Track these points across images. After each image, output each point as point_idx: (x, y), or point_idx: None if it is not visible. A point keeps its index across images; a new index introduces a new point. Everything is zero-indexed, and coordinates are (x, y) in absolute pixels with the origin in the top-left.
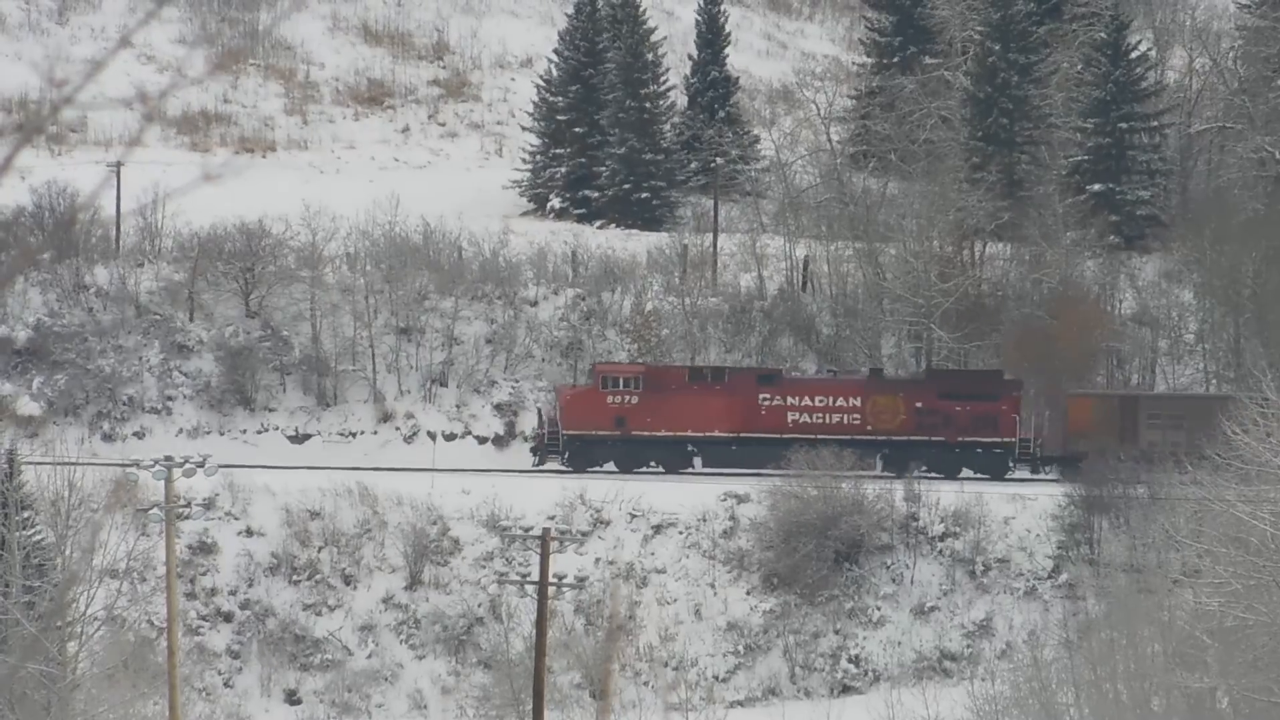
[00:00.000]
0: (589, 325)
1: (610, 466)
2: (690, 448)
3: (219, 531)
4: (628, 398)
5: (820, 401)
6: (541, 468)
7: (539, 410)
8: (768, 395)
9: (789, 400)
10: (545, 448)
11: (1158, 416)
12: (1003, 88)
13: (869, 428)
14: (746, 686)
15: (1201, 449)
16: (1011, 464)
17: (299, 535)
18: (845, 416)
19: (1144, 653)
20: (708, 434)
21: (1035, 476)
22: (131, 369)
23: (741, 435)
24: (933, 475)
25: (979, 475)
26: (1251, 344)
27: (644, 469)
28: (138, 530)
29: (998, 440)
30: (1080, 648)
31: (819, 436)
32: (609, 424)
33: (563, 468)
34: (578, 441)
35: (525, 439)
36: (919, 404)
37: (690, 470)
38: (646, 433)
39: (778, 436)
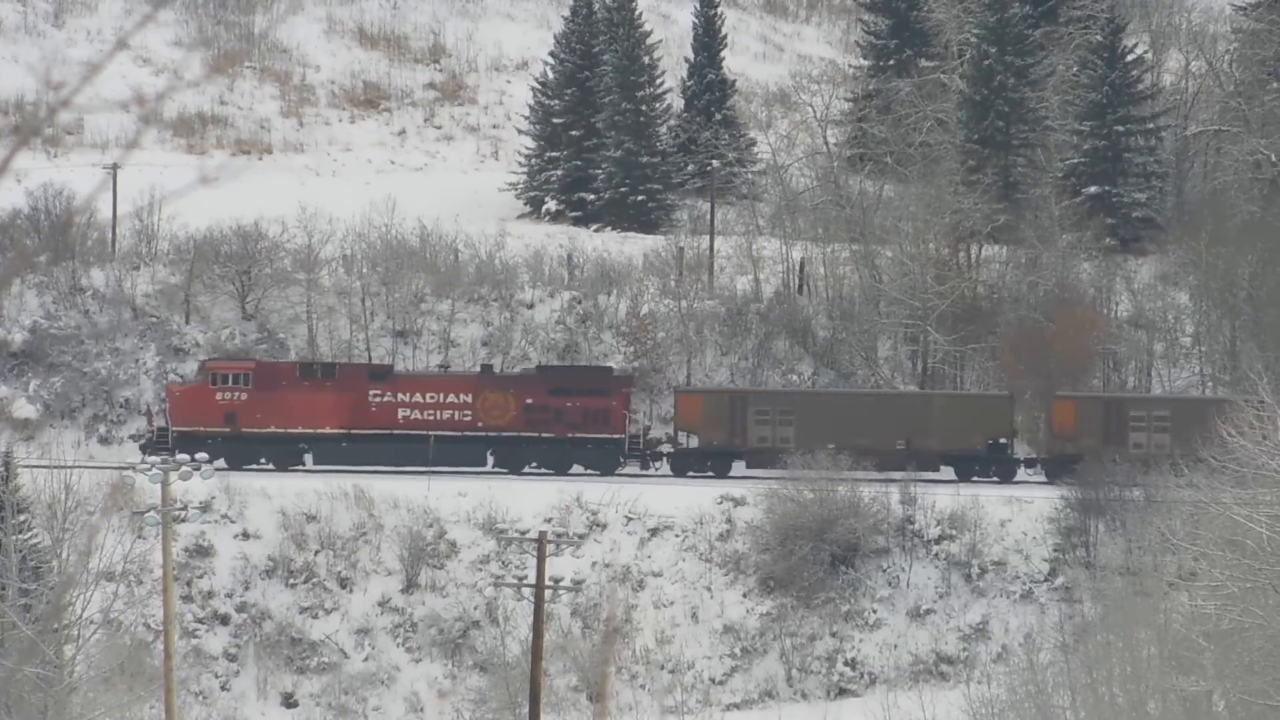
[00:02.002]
0: (585, 328)
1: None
2: (301, 445)
3: (215, 534)
4: (237, 394)
5: (431, 398)
6: (530, 471)
7: (148, 408)
8: (379, 391)
9: (400, 397)
10: (155, 445)
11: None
12: (999, 90)
13: (480, 424)
14: (743, 689)
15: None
16: (622, 459)
17: (295, 538)
18: (456, 413)
19: (1140, 656)
20: (318, 430)
21: (1026, 480)
22: (128, 372)
23: (352, 432)
24: (543, 471)
25: (589, 471)
26: (1248, 347)
27: (254, 465)
28: (134, 533)
29: (608, 436)
30: (1076, 651)
31: (431, 433)
32: (219, 421)
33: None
34: (187, 439)
35: (134, 438)
36: (529, 400)
37: (301, 468)
38: (257, 429)
39: (388, 433)
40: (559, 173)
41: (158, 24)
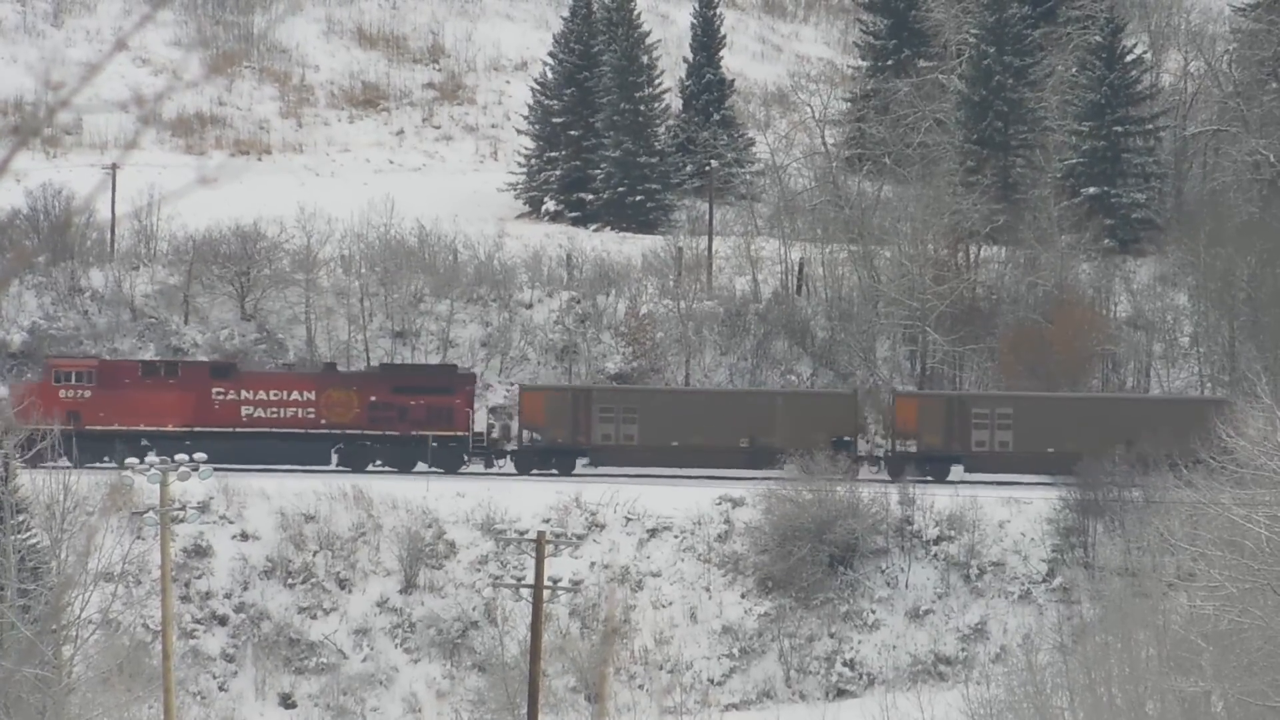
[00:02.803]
0: (584, 328)
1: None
2: (144, 442)
3: (214, 535)
4: (81, 392)
5: (275, 395)
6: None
7: None
8: (222, 389)
9: (244, 394)
10: None
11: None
12: (997, 91)
13: (323, 421)
14: (741, 690)
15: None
16: (466, 457)
17: (294, 539)
18: (300, 410)
19: (1139, 656)
20: (161, 428)
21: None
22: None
23: (195, 429)
24: (386, 470)
25: (433, 470)
26: (1246, 347)
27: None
28: (133, 534)
29: (452, 434)
30: (1075, 651)
31: (274, 430)
32: (62, 418)
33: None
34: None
35: None
36: (373, 398)
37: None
38: (100, 427)
39: (231, 430)
40: (558, 173)
41: (157, 24)
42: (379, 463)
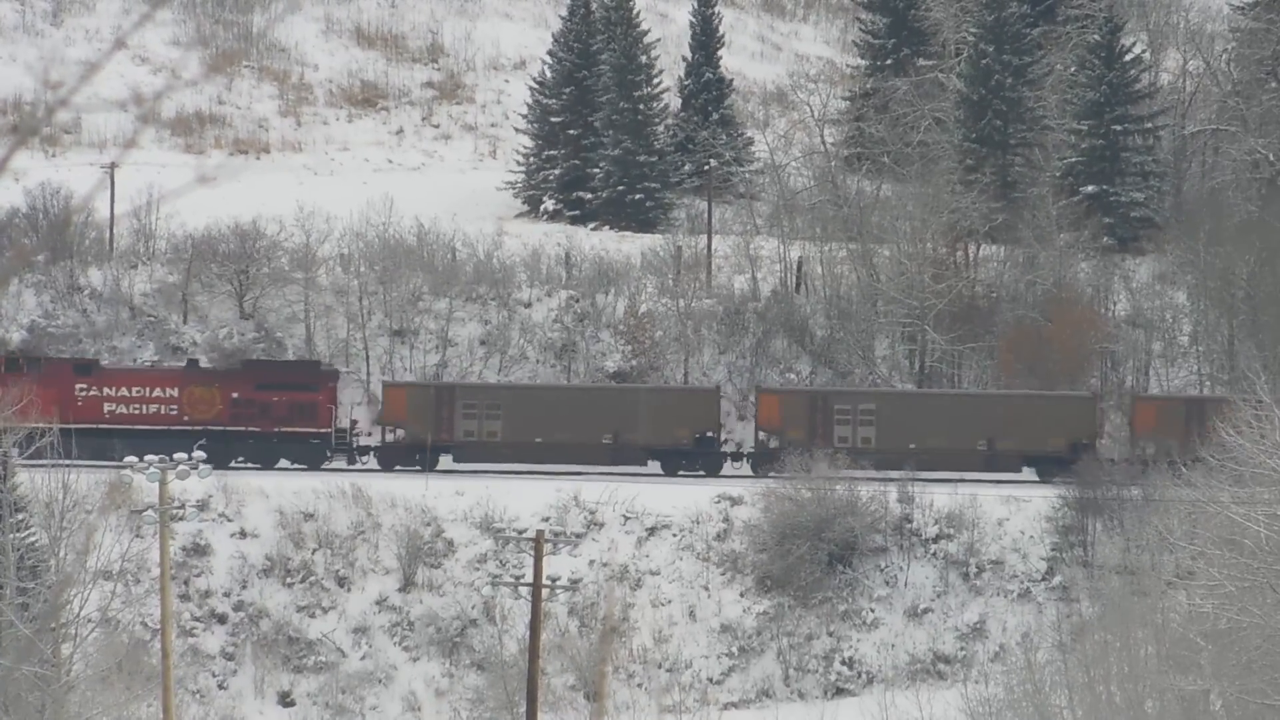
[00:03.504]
0: (583, 327)
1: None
2: None
3: (213, 533)
4: None
5: (138, 392)
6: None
7: None
8: (85, 385)
9: (106, 391)
10: None
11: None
12: (996, 90)
13: (186, 418)
14: (740, 688)
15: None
16: (329, 453)
17: (293, 537)
18: (163, 407)
19: (1138, 655)
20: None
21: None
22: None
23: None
24: (249, 465)
25: (296, 465)
26: (1245, 346)
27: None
28: (132, 532)
29: (315, 430)
30: (1074, 650)
31: (138, 427)
32: None
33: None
34: None
35: None
36: (235, 394)
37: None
38: None
39: (94, 427)
40: (557, 172)
41: (156, 23)
42: (241, 459)
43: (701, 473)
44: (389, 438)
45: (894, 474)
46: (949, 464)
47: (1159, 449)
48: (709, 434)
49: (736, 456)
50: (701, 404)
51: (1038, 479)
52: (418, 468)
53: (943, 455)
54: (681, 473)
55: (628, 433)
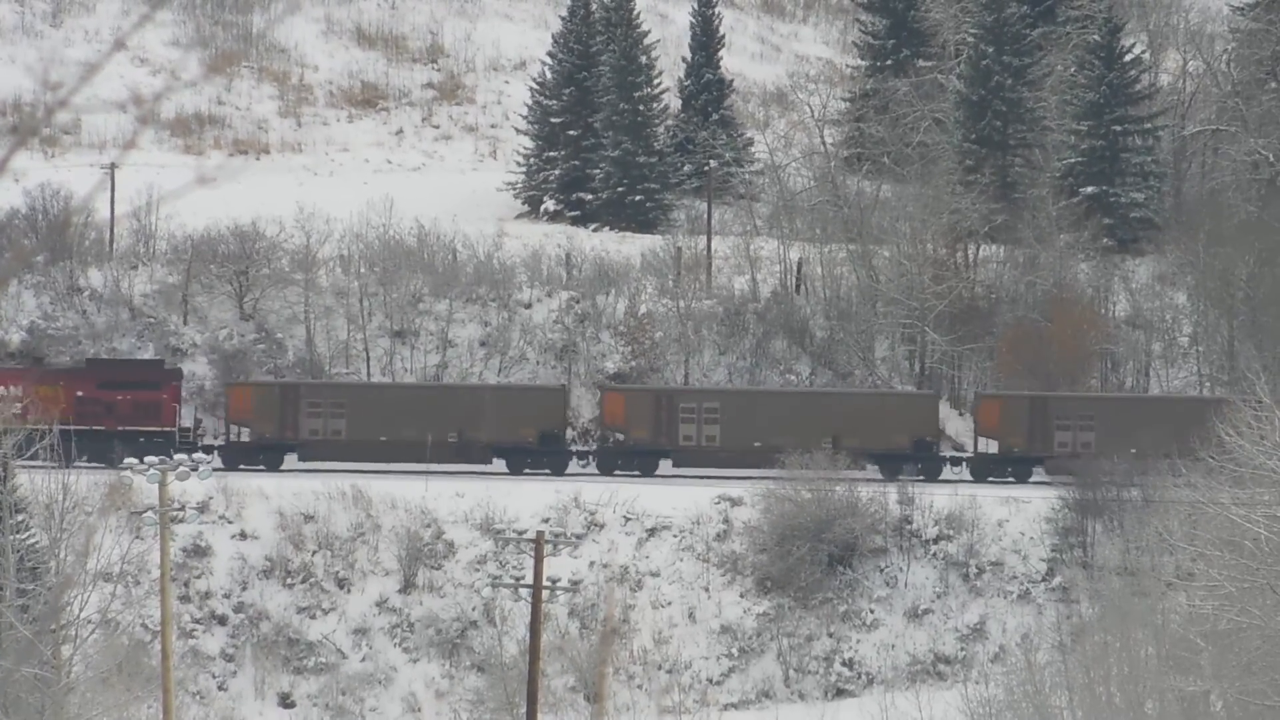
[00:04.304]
0: (583, 328)
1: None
2: None
3: (213, 535)
4: None
5: None
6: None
7: None
8: None
9: None
10: None
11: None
12: (996, 90)
13: (31, 417)
14: (740, 689)
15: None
16: (172, 452)
17: (293, 539)
18: (8, 406)
19: (1138, 656)
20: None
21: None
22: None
23: None
24: (94, 465)
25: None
26: (1245, 346)
27: None
28: (132, 533)
29: (159, 429)
30: (1074, 651)
31: None
32: None
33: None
34: None
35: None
36: (80, 393)
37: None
38: None
39: None
40: (557, 172)
41: (155, 24)
42: (85, 458)
43: (547, 472)
44: (237, 437)
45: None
46: (794, 461)
47: (1003, 446)
48: (555, 432)
49: (582, 455)
50: (548, 402)
51: (882, 478)
52: (262, 467)
53: (788, 453)
54: (527, 471)
55: (472, 431)
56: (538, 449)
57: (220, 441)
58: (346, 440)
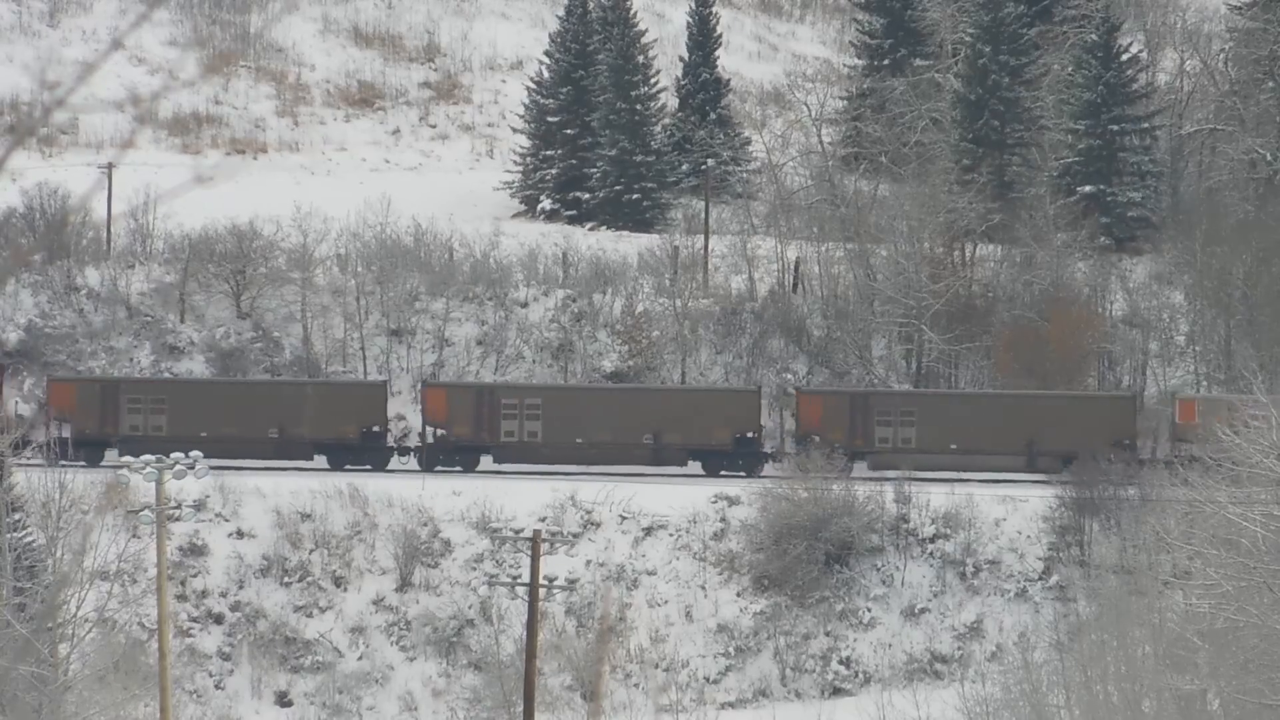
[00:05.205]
0: (580, 327)
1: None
2: None
3: (209, 533)
4: None
5: None
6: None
7: None
8: None
9: None
10: None
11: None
12: (993, 90)
13: None
14: (737, 688)
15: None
16: None
17: (290, 537)
18: None
19: (1135, 654)
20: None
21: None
22: (123, 371)
23: None
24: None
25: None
26: (1242, 345)
27: None
28: (128, 532)
29: None
30: (1071, 649)
31: None
32: None
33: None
34: None
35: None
36: None
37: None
38: None
39: None
40: (554, 171)
41: (153, 23)
42: None
43: (368, 468)
44: (60, 432)
45: (892, 475)
46: (617, 458)
47: (823, 442)
48: (375, 428)
49: (403, 451)
50: (367, 399)
51: (704, 473)
52: (83, 463)
53: (608, 450)
54: (348, 467)
55: (294, 427)
56: (359, 445)
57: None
58: (166, 436)
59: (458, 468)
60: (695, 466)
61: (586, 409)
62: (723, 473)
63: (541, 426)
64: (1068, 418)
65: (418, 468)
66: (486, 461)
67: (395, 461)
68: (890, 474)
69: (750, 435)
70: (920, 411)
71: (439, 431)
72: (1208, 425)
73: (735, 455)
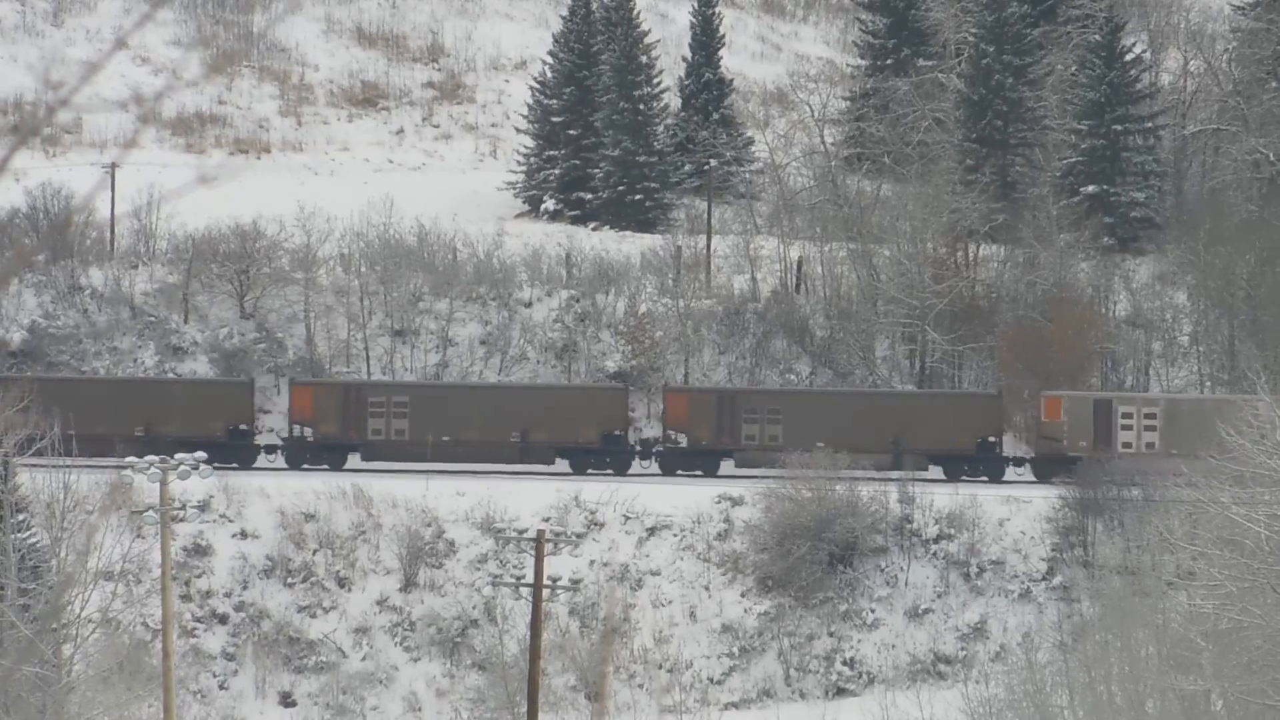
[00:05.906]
0: (583, 327)
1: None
2: None
3: (214, 534)
4: None
5: None
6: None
7: None
8: None
9: None
10: None
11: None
12: (997, 90)
13: None
14: (741, 688)
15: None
16: None
17: (293, 537)
18: None
19: (1138, 655)
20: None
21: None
22: (126, 371)
23: None
24: None
25: None
26: (1246, 346)
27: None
28: (133, 533)
29: None
30: (1075, 650)
31: None
32: None
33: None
34: None
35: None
36: None
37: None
38: None
39: None
40: (557, 172)
41: (156, 23)
42: None
43: (235, 466)
44: None
45: (894, 474)
46: (485, 456)
47: (691, 439)
48: (242, 426)
49: (270, 449)
50: (234, 396)
51: (571, 471)
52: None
53: (476, 448)
54: (217, 465)
55: (160, 425)
56: (225, 443)
57: None
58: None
59: (324, 466)
60: (563, 465)
61: (454, 407)
62: (589, 471)
63: (409, 424)
64: (933, 416)
65: (285, 465)
66: (355, 460)
67: (262, 459)
68: (754, 471)
69: (618, 434)
70: (786, 409)
71: (305, 430)
72: (1072, 422)
73: (603, 453)
